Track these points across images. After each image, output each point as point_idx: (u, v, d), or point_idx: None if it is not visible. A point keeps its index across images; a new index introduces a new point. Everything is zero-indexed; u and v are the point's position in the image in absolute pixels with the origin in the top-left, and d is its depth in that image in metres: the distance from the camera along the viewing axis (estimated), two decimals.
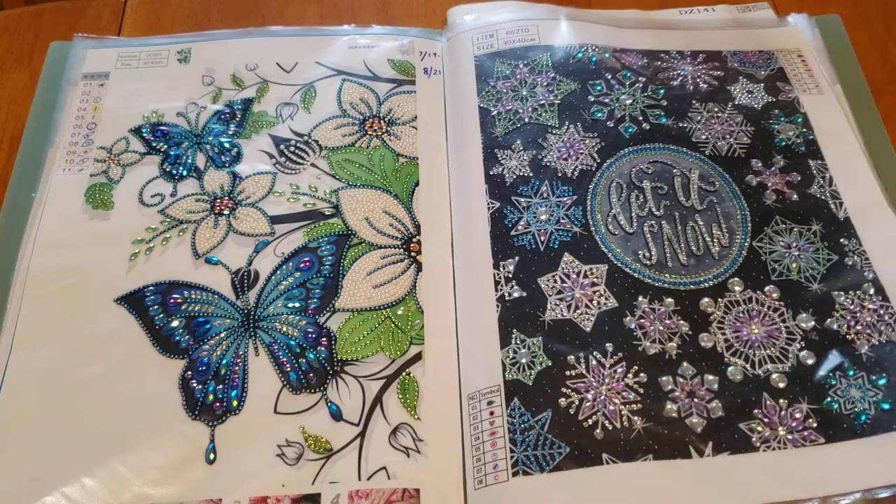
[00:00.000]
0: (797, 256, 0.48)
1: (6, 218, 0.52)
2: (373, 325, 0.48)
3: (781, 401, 0.43)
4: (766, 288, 0.47)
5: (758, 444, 0.42)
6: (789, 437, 0.42)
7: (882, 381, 0.43)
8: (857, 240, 0.49)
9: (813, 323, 0.46)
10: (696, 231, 0.49)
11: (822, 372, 0.44)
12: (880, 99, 0.55)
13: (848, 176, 0.51)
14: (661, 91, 0.55)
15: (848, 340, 0.45)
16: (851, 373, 0.44)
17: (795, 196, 0.50)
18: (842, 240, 0.49)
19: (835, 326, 0.45)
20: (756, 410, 0.43)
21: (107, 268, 0.49)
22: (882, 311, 0.46)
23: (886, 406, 0.43)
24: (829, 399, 0.43)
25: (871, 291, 0.46)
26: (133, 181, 0.53)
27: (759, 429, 0.42)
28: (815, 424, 0.42)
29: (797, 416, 0.43)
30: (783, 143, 0.53)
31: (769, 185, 0.51)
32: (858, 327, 0.45)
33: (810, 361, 0.44)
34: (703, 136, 0.53)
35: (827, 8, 0.60)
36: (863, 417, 0.42)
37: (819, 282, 0.47)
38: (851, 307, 0.46)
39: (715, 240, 0.49)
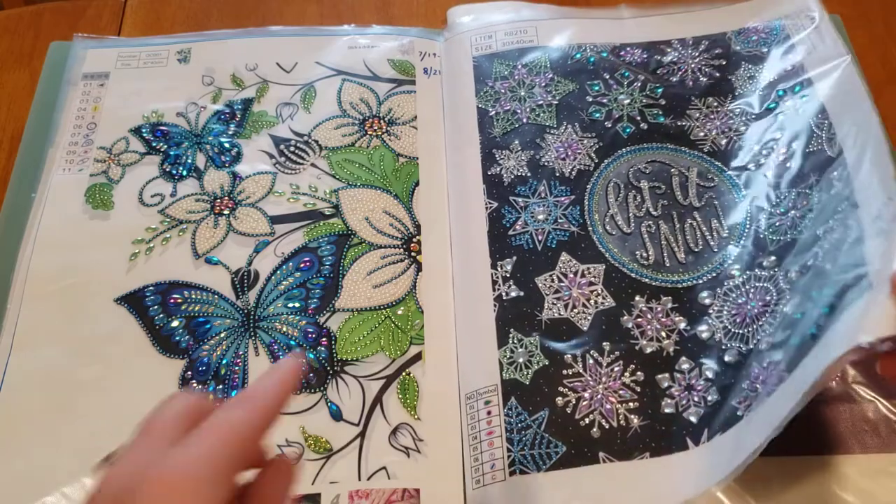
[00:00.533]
0: (793, 217, 0.47)
1: (6, 218, 0.52)
2: (373, 325, 0.48)
3: (766, 363, 0.41)
4: (765, 262, 0.46)
5: (741, 413, 0.40)
6: (765, 391, 0.39)
7: (827, 291, 0.39)
8: (844, 167, 0.45)
9: (797, 268, 0.43)
10: (694, 228, 0.49)
11: (799, 314, 0.40)
12: (880, 99, 0.55)
13: (850, 115, 0.48)
14: (660, 90, 0.55)
15: (825, 270, 0.41)
16: (826, 311, 0.38)
17: (794, 163, 0.49)
18: (833, 173, 0.45)
19: (810, 262, 0.42)
20: (745, 384, 0.41)
21: (107, 268, 0.50)
22: (849, 220, 0.41)
23: (827, 311, 0.38)
24: (811, 329, 0.39)
25: (845, 206, 0.42)
26: (133, 181, 0.53)
27: (744, 398, 0.41)
28: (784, 365, 0.39)
29: (779, 368, 0.39)
30: (782, 118, 0.52)
31: (770, 165, 0.50)
32: (827, 246, 0.42)
33: (789, 309, 0.41)
34: (702, 134, 0.53)
35: (827, 8, 0.59)
36: (812, 330, 0.38)
37: (809, 228, 0.45)
38: (830, 235, 0.42)
39: (714, 233, 0.49)
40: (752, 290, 0.46)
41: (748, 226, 0.48)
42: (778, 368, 0.40)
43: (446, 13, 0.62)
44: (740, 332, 0.44)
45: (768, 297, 0.44)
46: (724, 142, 0.52)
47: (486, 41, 0.59)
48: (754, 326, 0.44)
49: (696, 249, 0.48)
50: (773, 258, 0.46)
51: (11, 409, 0.45)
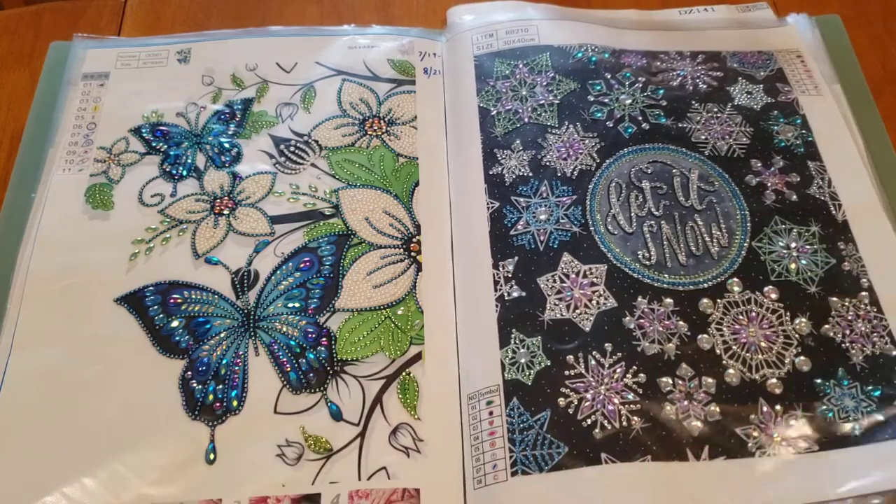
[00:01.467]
0: (796, 257, 0.48)
1: (6, 218, 0.52)
2: (373, 325, 0.48)
3: (777, 407, 0.43)
4: (766, 289, 0.47)
5: (753, 450, 0.42)
6: (784, 443, 0.42)
7: (876, 393, 0.43)
8: (853, 245, 0.49)
9: (809, 329, 0.46)
10: (695, 231, 0.49)
11: (816, 379, 0.44)
12: (880, 99, 0.55)
13: (845, 179, 0.51)
14: (661, 91, 0.55)
15: (843, 349, 0.45)
16: (846, 382, 0.44)
17: (795, 196, 0.50)
18: (839, 243, 0.49)
19: (830, 334, 0.45)
20: (752, 416, 0.43)
21: (107, 268, 0.49)
22: (876, 323, 0.46)
23: (880, 417, 0.43)
24: (823, 407, 0.43)
25: (867, 302, 0.46)
26: (133, 181, 0.53)
27: (755, 434, 0.42)
28: (809, 432, 0.42)
29: (792, 422, 0.43)
30: (782, 144, 0.53)
31: (769, 185, 0.51)
32: (853, 336, 0.45)
33: (805, 368, 0.44)
34: (703, 137, 0.53)
35: (827, 8, 0.60)
36: (856, 428, 0.42)
37: (817, 285, 0.47)
38: (847, 315, 0.46)
39: (714, 240, 0.49)
40: (753, 314, 0.46)
41: (746, 242, 0.49)
42: (803, 431, 0.42)
43: (446, 13, 0.62)
44: (742, 354, 0.45)
45: (773, 336, 0.45)
46: (724, 148, 0.53)
47: (488, 40, 0.59)
48: (759, 358, 0.45)
49: (698, 253, 0.48)
50: (772, 289, 0.47)
51: (11, 409, 0.45)
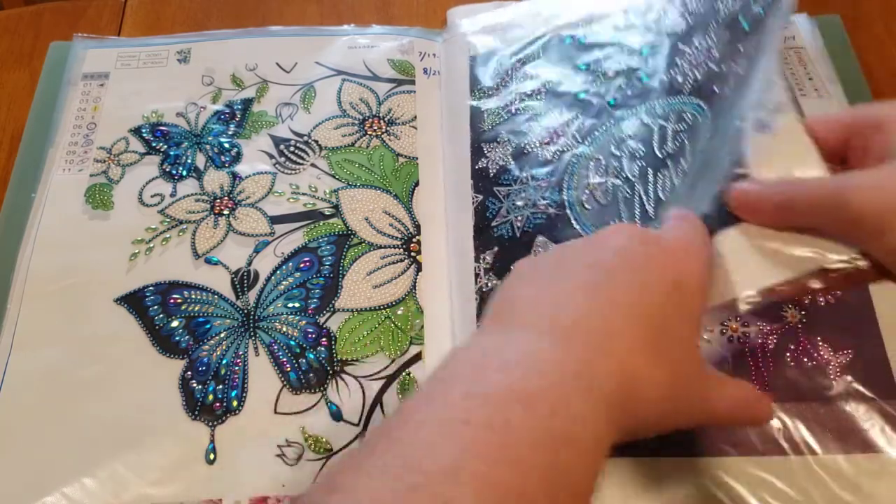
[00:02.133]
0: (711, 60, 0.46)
1: (6, 218, 0.52)
2: (373, 325, 0.48)
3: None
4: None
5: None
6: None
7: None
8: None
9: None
10: (664, 176, 0.47)
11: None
12: (880, 99, 0.55)
13: None
14: (645, 51, 0.53)
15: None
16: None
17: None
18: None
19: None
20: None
21: (107, 268, 0.49)
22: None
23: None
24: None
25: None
26: (133, 181, 0.53)
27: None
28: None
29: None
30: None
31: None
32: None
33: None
34: (680, 79, 0.49)
35: (827, 8, 0.60)
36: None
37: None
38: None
39: (679, 172, 0.46)
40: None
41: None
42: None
43: (446, 13, 0.62)
44: None
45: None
46: (702, 72, 0.48)
47: (484, 40, 0.59)
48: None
49: (664, 198, 0.46)
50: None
51: (11, 409, 0.45)
